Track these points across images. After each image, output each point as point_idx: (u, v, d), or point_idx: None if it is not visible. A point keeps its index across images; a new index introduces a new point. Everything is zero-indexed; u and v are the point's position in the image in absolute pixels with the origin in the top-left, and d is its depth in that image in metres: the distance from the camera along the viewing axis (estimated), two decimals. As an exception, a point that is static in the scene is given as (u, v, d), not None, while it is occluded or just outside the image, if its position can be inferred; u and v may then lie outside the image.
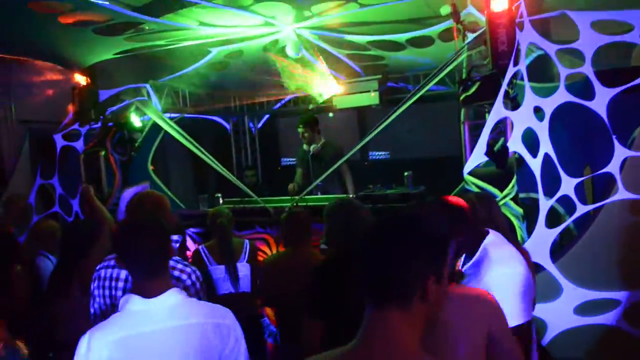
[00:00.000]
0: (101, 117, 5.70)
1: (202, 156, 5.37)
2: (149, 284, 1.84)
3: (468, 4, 4.00)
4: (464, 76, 3.96)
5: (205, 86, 6.79)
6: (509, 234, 2.66)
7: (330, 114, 7.43)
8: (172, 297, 1.82)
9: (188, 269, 2.45)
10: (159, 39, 4.97)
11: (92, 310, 2.52)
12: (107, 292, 2.47)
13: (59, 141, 5.77)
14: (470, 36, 4.02)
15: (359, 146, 4.99)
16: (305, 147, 6.10)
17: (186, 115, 7.05)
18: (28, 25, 4.33)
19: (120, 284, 2.45)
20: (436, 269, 1.28)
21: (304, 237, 3.59)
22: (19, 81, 6.15)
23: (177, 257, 2.49)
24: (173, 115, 6.68)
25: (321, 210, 2.89)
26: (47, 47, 4.87)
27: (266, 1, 4.08)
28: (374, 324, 1.26)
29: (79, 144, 5.86)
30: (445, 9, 4.15)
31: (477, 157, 3.54)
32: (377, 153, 8.05)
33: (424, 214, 1.38)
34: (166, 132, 6.02)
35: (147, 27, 4.67)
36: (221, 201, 5.45)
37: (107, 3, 3.94)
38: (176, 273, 2.40)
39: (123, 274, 2.45)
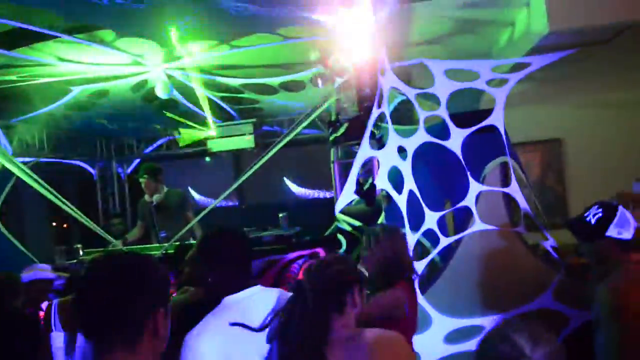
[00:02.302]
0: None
1: (61, 204, 4.88)
2: None
3: (335, 50, 4.20)
4: (332, 118, 4.10)
5: (67, 128, 6.29)
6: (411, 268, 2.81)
7: (207, 158, 7.27)
8: None
9: None
10: (10, 74, 4.53)
11: None
12: None
13: None
14: (339, 81, 4.21)
15: (230, 190, 4.87)
16: (147, 198, 5.67)
17: (42, 159, 6.44)
18: None
19: None
20: (164, 302, 1.30)
21: None
22: None
23: None
24: (27, 159, 6.05)
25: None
26: None
27: (128, 37, 3.90)
28: None
29: None
30: (314, 55, 4.31)
31: (347, 196, 3.61)
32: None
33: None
34: (19, 179, 5.42)
35: (-5, 61, 4.24)
36: (81, 252, 4.98)
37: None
38: None
39: None
